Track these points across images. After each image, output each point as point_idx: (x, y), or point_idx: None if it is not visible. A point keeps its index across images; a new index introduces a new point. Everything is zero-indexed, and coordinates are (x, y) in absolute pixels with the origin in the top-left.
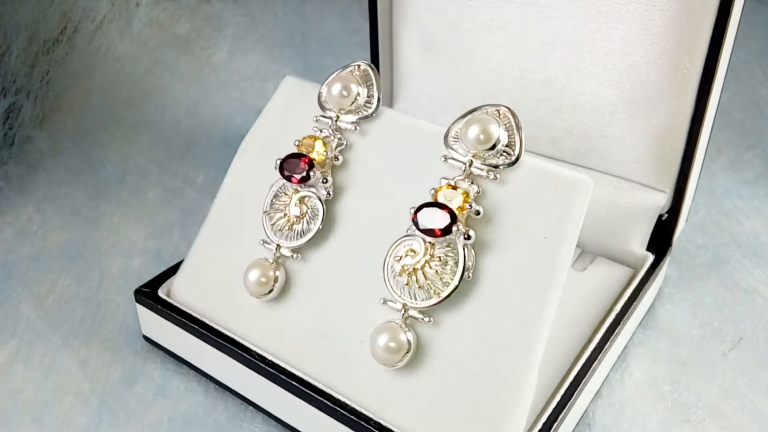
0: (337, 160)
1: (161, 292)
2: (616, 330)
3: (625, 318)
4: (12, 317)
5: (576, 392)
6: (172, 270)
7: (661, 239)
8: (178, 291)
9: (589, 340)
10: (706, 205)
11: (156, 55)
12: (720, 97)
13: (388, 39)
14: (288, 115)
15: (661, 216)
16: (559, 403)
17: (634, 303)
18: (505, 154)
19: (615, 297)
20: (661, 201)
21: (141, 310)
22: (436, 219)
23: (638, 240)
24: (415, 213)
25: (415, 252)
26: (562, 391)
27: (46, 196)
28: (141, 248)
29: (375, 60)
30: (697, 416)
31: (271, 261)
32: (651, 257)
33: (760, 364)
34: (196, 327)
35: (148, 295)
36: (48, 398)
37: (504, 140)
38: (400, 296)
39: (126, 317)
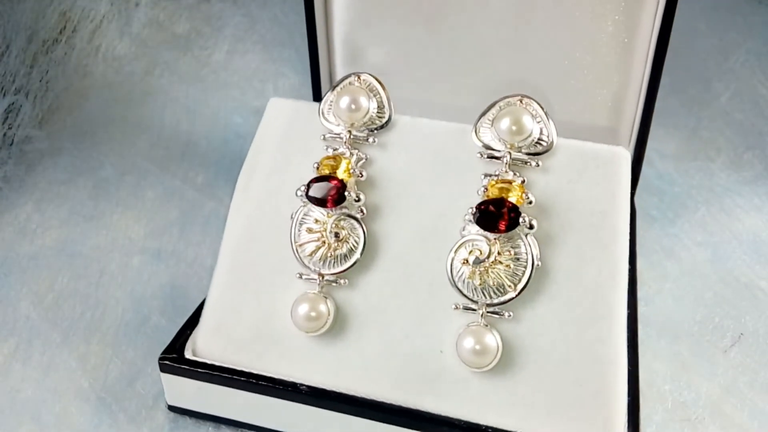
0: (361, 176)
1: (188, 356)
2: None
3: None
4: (11, 315)
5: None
6: (188, 326)
7: None
8: (206, 349)
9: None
10: (706, 203)
11: (155, 55)
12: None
13: (325, 51)
14: (287, 138)
15: None
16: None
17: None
18: (539, 141)
19: None
20: None
21: (168, 378)
22: (501, 215)
23: None
24: (475, 213)
25: (481, 252)
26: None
27: (45, 195)
28: (140, 247)
29: (316, 76)
30: (697, 415)
31: (317, 292)
32: None
33: (760, 361)
34: (255, 381)
35: (176, 360)
36: (47, 396)
37: (537, 128)
38: (473, 298)
39: (126, 314)
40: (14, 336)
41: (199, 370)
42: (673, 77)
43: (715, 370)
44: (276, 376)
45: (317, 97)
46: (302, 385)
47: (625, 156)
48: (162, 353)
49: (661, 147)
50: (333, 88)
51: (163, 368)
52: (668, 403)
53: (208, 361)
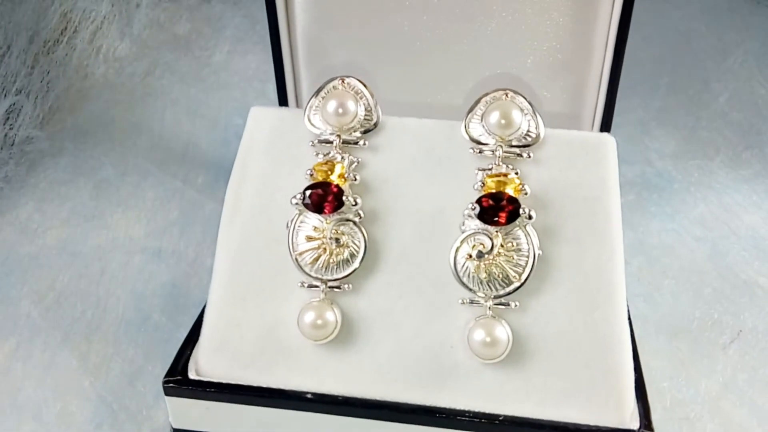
0: (355, 180)
1: (192, 377)
2: None
3: None
4: (11, 315)
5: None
6: (186, 346)
7: None
8: (210, 368)
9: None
10: (705, 200)
11: (156, 56)
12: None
13: (289, 54)
14: (274, 146)
15: None
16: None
17: None
18: (528, 134)
19: None
20: None
21: (174, 401)
22: (501, 208)
23: None
24: (475, 208)
25: (484, 245)
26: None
27: (45, 195)
28: (141, 246)
29: (281, 80)
30: (695, 413)
31: (321, 300)
32: None
33: (759, 358)
34: (269, 396)
35: (182, 381)
36: (48, 395)
37: (525, 121)
38: (479, 291)
39: (126, 312)
40: (15, 335)
41: (210, 390)
42: (673, 77)
43: (714, 367)
44: (289, 389)
45: (283, 101)
46: (318, 394)
47: (611, 142)
48: (165, 376)
49: (660, 146)
50: (317, 92)
51: (169, 392)
52: (667, 401)
53: (215, 380)
